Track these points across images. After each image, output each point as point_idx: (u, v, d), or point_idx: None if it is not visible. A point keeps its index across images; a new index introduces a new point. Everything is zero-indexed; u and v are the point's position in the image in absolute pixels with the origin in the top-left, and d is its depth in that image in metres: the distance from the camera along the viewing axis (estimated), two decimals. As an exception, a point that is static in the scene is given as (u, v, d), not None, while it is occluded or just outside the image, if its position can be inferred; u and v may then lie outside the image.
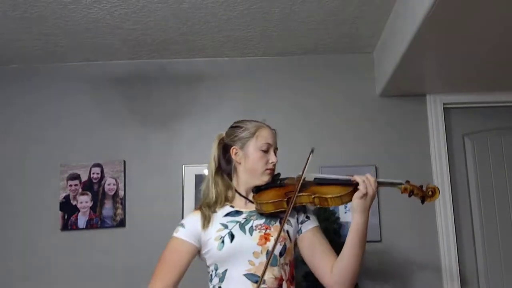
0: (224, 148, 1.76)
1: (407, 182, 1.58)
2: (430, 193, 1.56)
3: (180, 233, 1.65)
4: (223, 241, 1.58)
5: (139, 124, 2.89)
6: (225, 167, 1.75)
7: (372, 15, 2.48)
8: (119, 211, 2.78)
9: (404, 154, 2.81)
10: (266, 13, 2.43)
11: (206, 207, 1.67)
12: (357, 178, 1.55)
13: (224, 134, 1.78)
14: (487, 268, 2.75)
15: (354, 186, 1.56)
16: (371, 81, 2.89)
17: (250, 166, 1.69)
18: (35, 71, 2.95)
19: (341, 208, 2.71)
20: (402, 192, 1.58)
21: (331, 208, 2.59)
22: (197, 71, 2.95)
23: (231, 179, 1.74)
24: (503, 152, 2.86)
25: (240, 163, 1.71)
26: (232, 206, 1.69)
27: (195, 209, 1.74)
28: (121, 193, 2.79)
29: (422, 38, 2.08)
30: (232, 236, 1.58)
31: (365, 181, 1.52)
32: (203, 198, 1.74)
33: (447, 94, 2.84)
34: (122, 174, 2.81)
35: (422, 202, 1.58)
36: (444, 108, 2.85)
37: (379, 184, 1.57)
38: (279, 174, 1.75)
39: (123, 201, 2.79)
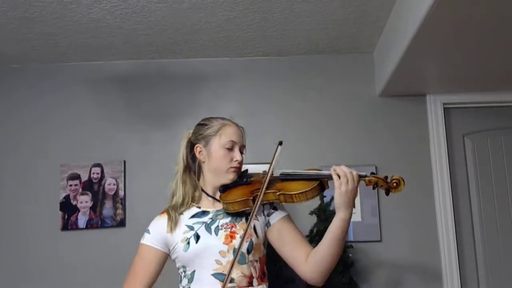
0: (191, 146, 1.73)
1: (372, 174, 1.55)
2: (394, 184, 1.51)
3: (146, 240, 1.66)
4: (188, 243, 1.57)
5: (139, 124, 2.89)
6: (192, 166, 1.73)
7: (372, 15, 2.48)
8: (119, 211, 2.78)
9: (404, 154, 2.81)
10: (266, 13, 2.43)
11: (172, 210, 1.66)
12: (337, 170, 1.48)
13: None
14: (487, 268, 2.75)
15: (320, 180, 1.53)
16: (371, 81, 2.89)
17: (213, 165, 1.66)
18: (35, 71, 2.95)
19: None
20: (366, 185, 1.53)
21: (331, 208, 2.58)
22: (197, 71, 2.94)
23: (198, 178, 1.72)
24: (503, 152, 2.86)
25: (204, 162, 1.68)
26: (198, 207, 1.67)
27: (162, 212, 1.72)
28: (121, 193, 2.79)
29: (422, 38, 2.08)
30: (197, 237, 1.58)
31: (345, 176, 1.47)
32: (170, 199, 1.73)
33: (447, 94, 2.84)
34: (122, 174, 2.81)
35: (387, 193, 1.52)
36: (444, 108, 2.85)
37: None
38: (246, 170, 1.72)
39: (123, 201, 2.79)
